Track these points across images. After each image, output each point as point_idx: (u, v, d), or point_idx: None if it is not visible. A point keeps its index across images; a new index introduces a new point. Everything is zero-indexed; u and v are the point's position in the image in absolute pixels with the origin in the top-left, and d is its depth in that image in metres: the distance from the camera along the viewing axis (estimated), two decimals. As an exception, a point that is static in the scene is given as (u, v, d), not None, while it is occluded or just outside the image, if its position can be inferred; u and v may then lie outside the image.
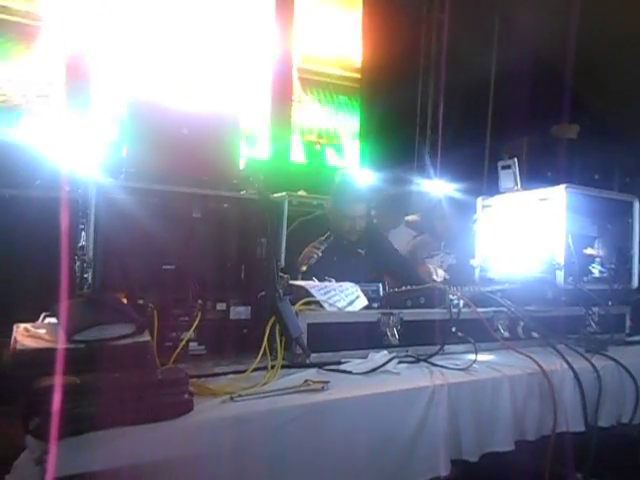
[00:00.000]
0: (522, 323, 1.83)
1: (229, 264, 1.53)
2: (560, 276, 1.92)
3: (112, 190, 1.33)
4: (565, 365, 1.58)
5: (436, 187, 4.54)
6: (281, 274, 1.49)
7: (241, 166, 1.58)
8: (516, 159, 2.18)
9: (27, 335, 1.09)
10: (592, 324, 2.01)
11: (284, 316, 1.37)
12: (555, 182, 2.04)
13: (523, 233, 2.08)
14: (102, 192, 1.30)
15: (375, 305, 1.78)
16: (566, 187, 1.93)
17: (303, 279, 2.12)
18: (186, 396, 1.02)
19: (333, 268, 2.44)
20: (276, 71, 5.10)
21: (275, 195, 1.50)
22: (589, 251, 2.10)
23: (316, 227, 2.62)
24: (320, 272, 2.43)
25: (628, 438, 1.81)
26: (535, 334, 1.81)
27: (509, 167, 2.16)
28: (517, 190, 2.23)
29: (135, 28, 4.22)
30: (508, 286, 2.00)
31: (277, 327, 1.37)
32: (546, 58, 5.60)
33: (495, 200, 2.21)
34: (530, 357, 1.57)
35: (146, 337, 1.12)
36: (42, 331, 1.12)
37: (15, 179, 2.72)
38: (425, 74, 6.25)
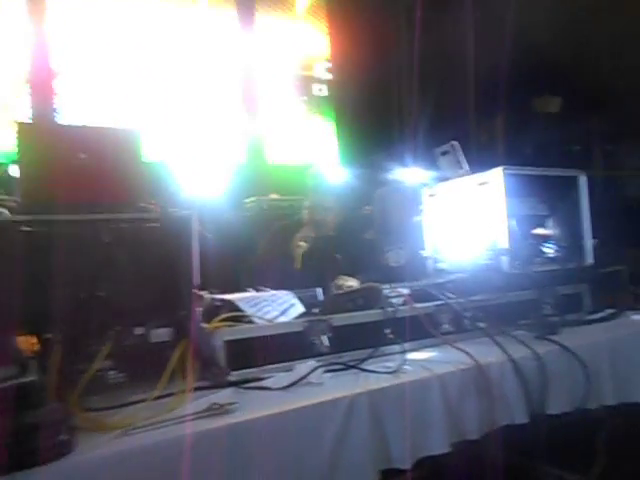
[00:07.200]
0: (468, 315, 1.77)
1: (145, 287, 1.48)
2: (505, 261, 1.85)
3: (2, 225, 1.28)
4: (505, 356, 1.52)
5: (413, 176, 4.45)
6: (196, 292, 1.44)
7: (148, 182, 1.53)
8: (457, 143, 2.11)
9: None
10: (548, 307, 1.94)
11: (195, 336, 1.33)
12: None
13: (467, 220, 2.00)
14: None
15: (315, 310, 1.73)
16: (503, 169, 1.85)
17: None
18: (62, 437, 0.97)
19: (312, 273, 2.44)
20: (244, 78, 5.06)
21: (179, 213, 1.44)
22: (539, 231, 2.03)
23: (296, 230, 2.82)
24: (300, 276, 2.47)
25: (586, 422, 1.74)
26: (481, 324, 1.75)
27: (448, 153, 2.08)
28: (465, 173, 2.16)
29: (99, 47, 4.18)
30: (456, 277, 1.94)
31: (190, 348, 1.32)
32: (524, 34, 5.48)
33: (438, 188, 2.14)
34: (466, 352, 1.50)
35: (31, 377, 1.08)
36: None
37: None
38: (398, 58, 6.14)
